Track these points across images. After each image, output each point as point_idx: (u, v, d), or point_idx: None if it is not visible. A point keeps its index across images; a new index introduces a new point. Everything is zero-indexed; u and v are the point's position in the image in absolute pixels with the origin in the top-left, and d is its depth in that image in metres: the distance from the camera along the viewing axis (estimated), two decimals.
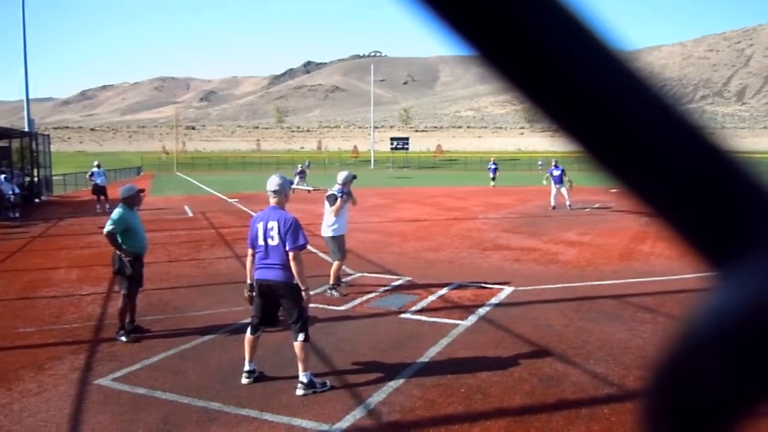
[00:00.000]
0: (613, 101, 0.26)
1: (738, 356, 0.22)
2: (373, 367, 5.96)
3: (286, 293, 5.56)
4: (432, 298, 8.64)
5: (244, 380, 5.61)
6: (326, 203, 9.09)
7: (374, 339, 6.85)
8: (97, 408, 5.12)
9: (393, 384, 5.51)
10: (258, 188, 32.98)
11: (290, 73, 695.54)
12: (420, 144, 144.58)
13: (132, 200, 7.20)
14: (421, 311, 7.96)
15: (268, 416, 4.91)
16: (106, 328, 7.35)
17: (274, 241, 5.56)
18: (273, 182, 5.84)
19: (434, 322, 7.47)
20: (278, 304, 5.68)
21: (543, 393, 5.32)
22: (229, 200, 26.18)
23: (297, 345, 5.49)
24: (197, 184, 40.03)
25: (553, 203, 20.93)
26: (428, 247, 13.03)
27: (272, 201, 5.81)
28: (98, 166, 22.34)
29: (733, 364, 0.23)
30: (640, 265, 10.88)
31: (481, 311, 7.90)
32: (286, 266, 5.56)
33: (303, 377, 5.42)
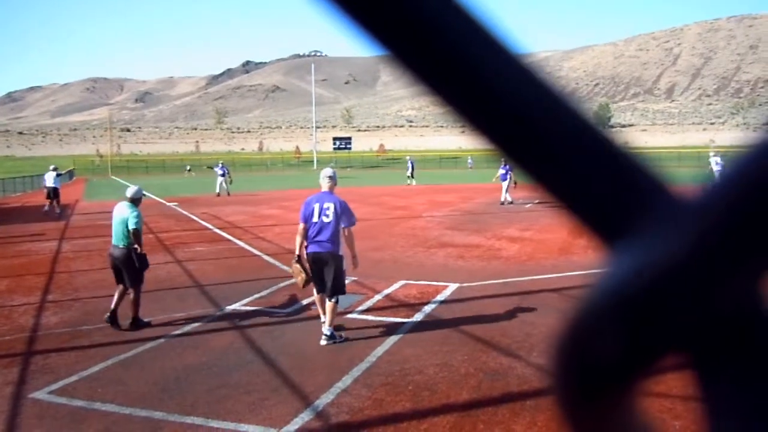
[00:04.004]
0: (514, 100, 0.28)
1: (626, 318, 0.26)
2: (320, 369, 5.93)
3: (331, 262, 6.72)
4: (378, 297, 8.66)
5: (323, 342, 6.64)
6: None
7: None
8: (33, 423, 4.90)
9: (340, 385, 5.49)
10: (198, 191, 32.35)
11: (229, 73, 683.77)
12: (362, 144, 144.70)
13: (140, 200, 7.98)
14: (367, 311, 7.97)
15: (215, 423, 4.82)
16: (40, 340, 7.06)
17: (328, 219, 6.70)
18: (328, 172, 7.18)
19: (381, 321, 7.50)
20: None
21: (489, 387, 5.41)
22: (168, 204, 25.52)
23: (329, 304, 6.71)
24: None
25: (502, 199, 22.08)
26: (373, 247, 13.05)
27: (325, 187, 6.97)
28: (55, 170, 23.19)
29: (622, 326, 0.26)
30: (578, 259, 11.21)
31: (427, 309, 7.98)
32: (334, 241, 6.72)
33: (327, 330, 6.66)
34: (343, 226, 6.77)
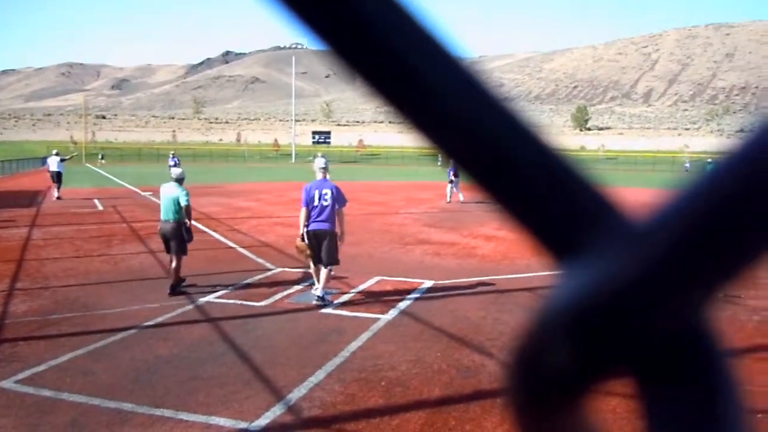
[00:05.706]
0: (453, 101, 0.28)
1: (574, 335, 0.26)
2: (294, 363, 5.92)
3: (329, 237, 7.96)
4: (353, 292, 8.67)
5: (314, 302, 7.86)
6: None
7: (294, 334, 6.80)
8: None
9: (313, 379, 5.49)
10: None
11: (208, 63, 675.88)
12: (341, 138, 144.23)
13: (184, 180, 8.84)
14: (342, 306, 7.96)
15: (184, 415, 4.78)
16: (8, 328, 6.94)
17: (327, 202, 7.94)
18: (321, 162, 8.32)
19: (355, 316, 7.50)
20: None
21: (461, 384, 5.45)
22: (143, 193, 25.20)
23: (324, 272, 7.92)
24: (108, 176, 38.36)
25: (448, 198, 22.48)
26: (349, 242, 12.96)
27: (320, 175, 8.14)
28: (58, 154, 23.49)
29: (571, 342, 0.27)
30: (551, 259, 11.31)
31: (402, 305, 8.00)
32: (331, 220, 7.97)
33: (320, 293, 7.88)
34: (338, 207, 8.04)
